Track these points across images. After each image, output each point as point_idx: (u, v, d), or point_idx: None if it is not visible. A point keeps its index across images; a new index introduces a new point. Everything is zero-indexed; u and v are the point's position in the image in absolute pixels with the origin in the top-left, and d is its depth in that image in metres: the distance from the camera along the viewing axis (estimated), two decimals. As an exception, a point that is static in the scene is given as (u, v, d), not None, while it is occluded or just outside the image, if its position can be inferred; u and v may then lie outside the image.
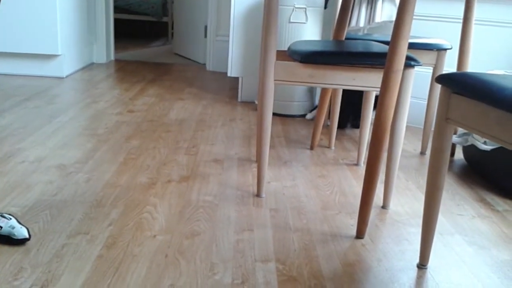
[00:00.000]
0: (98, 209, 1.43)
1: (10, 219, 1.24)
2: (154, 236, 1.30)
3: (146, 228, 1.34)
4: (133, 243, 1.26)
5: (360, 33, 2.62)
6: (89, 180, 1.63)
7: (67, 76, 3.26)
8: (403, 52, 1.28)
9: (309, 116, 2.61)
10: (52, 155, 1.84)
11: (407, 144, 2.31)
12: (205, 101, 2.88)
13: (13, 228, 1.22)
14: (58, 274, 1.10)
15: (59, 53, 3.15)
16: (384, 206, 1.59)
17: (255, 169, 1.84)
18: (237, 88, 3.23)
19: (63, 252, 1.19)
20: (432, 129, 2.27)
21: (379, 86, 1.43)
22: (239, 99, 2.97)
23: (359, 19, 2.57)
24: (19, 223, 1.24)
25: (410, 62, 1.46)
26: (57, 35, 3.09)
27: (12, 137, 2.00)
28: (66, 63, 3.26)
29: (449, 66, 2.33)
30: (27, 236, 1.22)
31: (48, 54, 3.16)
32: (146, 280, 1.11)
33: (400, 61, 1.28)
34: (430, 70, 2.42)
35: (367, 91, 1.90)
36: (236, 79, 3.49)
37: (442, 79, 1.13)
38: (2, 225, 1.22)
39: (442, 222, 1.51)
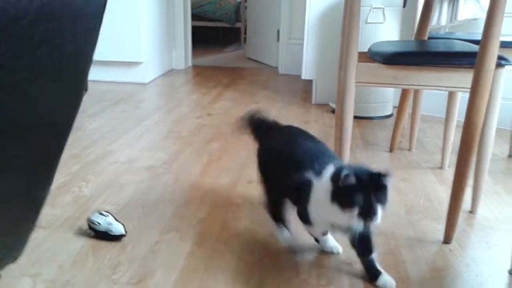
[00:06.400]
0: (186, 208, 1.50)
1: (108, 216, 1.33)
2: (240, 234, 1.34)
3: (232, 227, 1.39)
4: (220, 241, 1.31)
5: (442, 32, 2.53)
6: (176, 180, 1.72)
7: (149, 82, 3.44)
8: (494, 51, 1.23)
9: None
10: (141, 157, 1.95)
11: (494, 146, 2.20)
12: (279, 104, 2.91)
13: (110, 224, 1.31)
14: (153, 269, 1.17)
15: (142, 60, 3.33)
16: (472, 211, 1.53)
17: (334, 172, 1.84)
18: (309, 91, 3.24)
19: (157, 248, 1.27)
20: (522, 131, 2.14)
21: (467, 86, 1.38)
22: (312, 102, 2.97)
23: (440, 18, 2.48)
24: (116, 220, 1.33)
25: (500, 62, 1.40)
26: (140, 44, 3.27)
27: (103, 140, 2.14)
28: (149, 70, 3.44)
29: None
30: (123, 232, 1.31)
31: (132, 62, 3.35)
32: (236, 276, 1.15)
33: (491, 60, 1.23)
34: (518, 68, 2.29)
35: (452, 92, 1.84)
36: (308, 81, 3.49)
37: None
38: (100, 221, 1.31)
39: (537, 229, 1.43)
